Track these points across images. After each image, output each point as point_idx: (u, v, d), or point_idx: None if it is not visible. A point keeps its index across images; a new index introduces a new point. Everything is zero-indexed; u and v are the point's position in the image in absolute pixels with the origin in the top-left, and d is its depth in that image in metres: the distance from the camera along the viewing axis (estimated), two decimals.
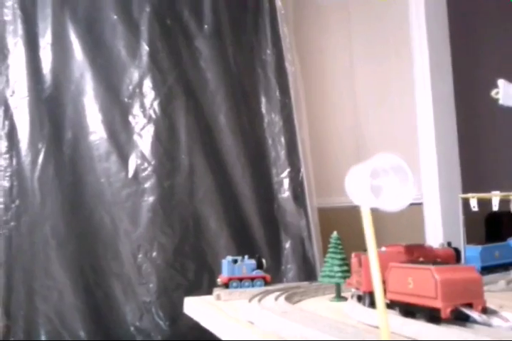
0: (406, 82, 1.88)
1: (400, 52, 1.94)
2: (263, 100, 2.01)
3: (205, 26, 1.96)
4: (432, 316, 0.66)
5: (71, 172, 1.71)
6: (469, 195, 1.12)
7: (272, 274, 1.16)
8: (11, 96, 1.69)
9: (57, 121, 1.73)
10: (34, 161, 1.67)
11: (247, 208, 1.85)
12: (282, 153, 1.96)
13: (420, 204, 1.71)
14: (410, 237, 1.70)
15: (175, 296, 1.64)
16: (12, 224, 1.61)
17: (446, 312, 0.64)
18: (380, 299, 0.45)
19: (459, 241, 1.09)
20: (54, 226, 1.64)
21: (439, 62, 1.78)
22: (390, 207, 0.46)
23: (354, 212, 0.51)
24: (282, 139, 1.97)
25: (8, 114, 1.68)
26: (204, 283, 1.69)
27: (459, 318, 0.65)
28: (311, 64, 2.23)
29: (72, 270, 1.63)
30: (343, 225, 1.39)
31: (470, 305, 0.66)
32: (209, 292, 1.14)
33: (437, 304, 0.65)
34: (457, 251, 0.96)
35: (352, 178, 0.46)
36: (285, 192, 1.92)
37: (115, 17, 1.82)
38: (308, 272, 1.83)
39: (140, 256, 1.67)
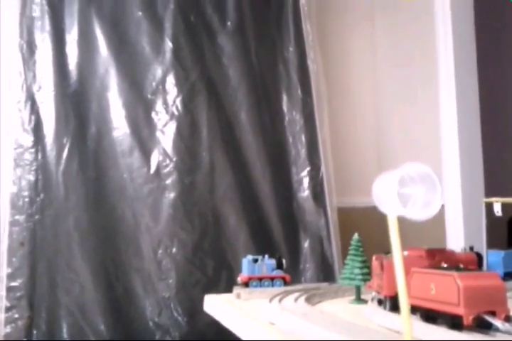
0: (430, 81, 1.86)
1: (425, 51, 1.92)
2: (284, 98, 2.00)
3: (228, 23, 1.96)
4: (454, 323, 0.66)
5: (94, 166, 1.73)
6: (493, 199, 1.11)
7: (290, 273, 1.17)
8: (38, 91, 1.72)
9: (82, 116, 1.75)
10: (59, 155, 1.70)
11: (266, 206, 1.86)
12: (302, 152, 1.96)
13: (442, 206, 1.70)
14: (431, 240, 1.69)
15: (194, 292, 1.66)
16: (36, 217, 1.65)
17: (468, 320, 0.64)
18: (404, 305, 0.45)
19: (481, 246, 1.08)
20: (77, 220, 1.67)
21: (464, 62, 1.76)
22: (417, 216, 0.46)
23: (374, 212, 0.52)
24: (303, 138, 1.97)
25: (34, 109, 1.71)
26: (222, 280, 1.71)
27: (482, 326, 0.65)
28: (334, 62, 2.22)
29: (94, 264, 1.65)
30: (362, 225, 1.39)
31: (493, 313, 0.65)
32: (227, 289, 1.15)
33: (459, 311, 0.65)
34: (479, 256, 0.95)
35: (379, 186, 0.46)
36: (305, 191, 1.92)
37: (140, 13, 1.84)
38: (326, 272, 1.83)
39: (160, 251, 1.69)
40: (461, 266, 0.81)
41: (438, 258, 0.85)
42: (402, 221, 0.47)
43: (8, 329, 1.54)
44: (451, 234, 1.68)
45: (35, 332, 1.57)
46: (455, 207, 1.67)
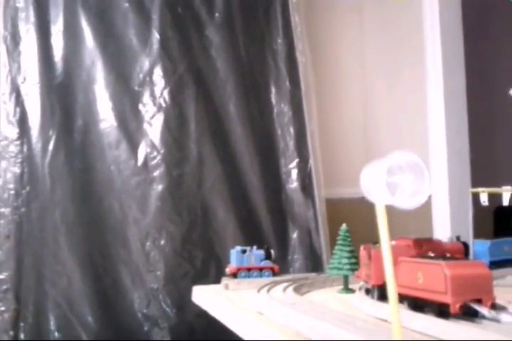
0: (417, 73, 1.86)
1: (413, 42, 1.93)
2: (273, 90, 2.00)
3: (216, 14, 1.95)
4: (441, 311, 0.67)
5: (81, 159, 1.72)
6: (479, 189, 1.12)
7: (279, 264, 1.17)
8: (23, 83, 1.70)
9: (68, 109, 1.73)
10: (45, 148, 1.68)
11: (254, 198, 1.86)
12: (291, 144, 1.96)
13: (429, 197, 1.71)
14: (418, 230, 1.71)
15: (182, 284, 1.66)
16: (23, 210, 1.63)
17: (455, 308, 0.65)
18: (393, 294, 0.45)
19: (468, 236, 1.10)
20: (64, 213, 1.66)
21: (451, 52, 1.77)
22: (405, 205, 0.46)
23: (362, 203, 0.52)
24: (291, 130, 1.97)
25: (19, 101, 1.69)
26: (211, 272, 1.71)
27: (468, 314, 0.66)
28: (322, 54, 2.22)
29: (81, 256, 1.65)
30: (350, 216, 1.40)
31: (479, 301, 0.66)
32: (216, 281, 1.15)
33: (447, 299, 0.66)
34: (466, 246, 0.96)
35: (367, 175, 0.46)
36: (293, 183, 1.92)
37: (126, 5, 1.82)
38: (314, 263, 1.84)
39: (148, 243, 1.69)
40: (448, 255, 0.82)
41: (425, 247, 0.85)
42: (389, 211, 0.47)
43: None
44: (437, 224, 1.69)
45: (22, 324, 1.56)
46: (442, 197, 1.69)
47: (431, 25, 1.78)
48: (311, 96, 2.03)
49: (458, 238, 1.00)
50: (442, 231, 1.64)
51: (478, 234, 1.12)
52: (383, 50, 2.12)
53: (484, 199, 1.11)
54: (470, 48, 1.80)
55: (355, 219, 1.32)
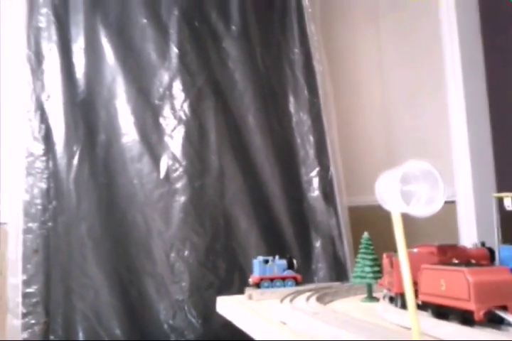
0: (438, 79, 1.85)
1: (431, 49, 1.92)
2: (291, 99, 2.01)
3: (233, 27, 1.97)
4: (465, 318, 0.66)
5: (105, 173, 1.75)
6: (503, 194, 1.11)
7: (303, 273, 1.17)
8: (47, 100, 1.74)
9: (91, 124, 1.77)
10: (69, 163, 1.72)
11: (276, 207, 1.86)
12: (311, 152, 1.96)
13: (453, 202, 1.69)
14: (443, 237, 1.68)
15: (207, 295, 1.66)
16: (50, 224, 1.67)
17: (479, 315, 0.64)
18: (411, 301, 0.45)
19: (493, 241, 1.08)
20: (89, 227, 1.68)
21: (470, 58, 1.75)
22: (420, 213, 0.46)
23: (385, 211, 0.52)
24: (311, 138, 1.97)
25: (44, 118, 1.73)
26: (235, 282, 1.71)
27: (493, 321, 0.65)
28: (340, 63, 2.22)
29: (108, 269, 1.67)
30: (373, 224, 1.39)
31: (504, 308, 0.65)
32: (240, 291, 1.16)
33: (470, 306, 0.65)
34: (491, 251, 0.95)
35: (382, 184, 0.47)
36: (315, 191, 1.92)
37: (145, 21, 1.86)
38: (339, 271, 1.83)
39: (172, 255, 1.70)
40: (473, 261, 0.81)
41: (449, 254, 0.84)
42: (413, 219, 0.47)
43: (25, 334, 1.56)
44: (463, 230, 1.67)
45: (51, 337, 1.58)
46: (467, 203, 1.66)
47: (449, 32, 1.77)
48: (330, 104, 2.03)
49: (483, 244, 0.98)
50: (468, 237, 1.62)
51: (504, 239, 1.10)
52: (401, 57, 2.12)
53: (508, 204, 1.09)
54: (490, 54, 1.78)
55: (378, 227, 1.31)
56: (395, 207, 0.45)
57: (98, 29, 1.81)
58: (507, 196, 1.10)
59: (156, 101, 1.83)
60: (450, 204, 1.69)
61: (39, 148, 1.71)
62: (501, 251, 1.08)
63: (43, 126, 1.73)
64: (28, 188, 1.67)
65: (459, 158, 1.72)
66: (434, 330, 0.67)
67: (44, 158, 1.71)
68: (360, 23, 2.30)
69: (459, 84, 1.74)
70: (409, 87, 2.07)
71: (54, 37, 1.78)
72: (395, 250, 0.88)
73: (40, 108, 1.73)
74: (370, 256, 1.00)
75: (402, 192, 0.46)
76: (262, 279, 1.10)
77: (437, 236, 1.67)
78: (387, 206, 0.46)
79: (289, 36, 2.06)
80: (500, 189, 1.62)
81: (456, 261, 0.80)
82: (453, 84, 1.76)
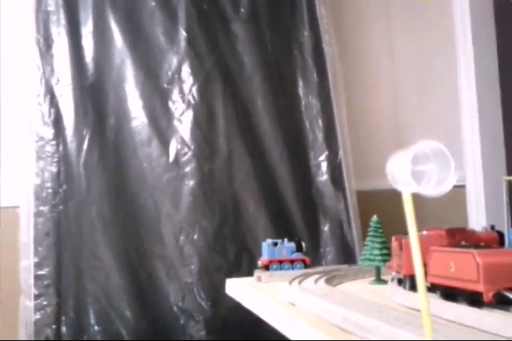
0: (449, 62, 1.83)
1: (442, 30, 1.89)
2: (300, 83, 2.00)
3: (242, 10, 1.95)
4: (474, 300, 0.66)
5: (114, 157, 1.76)
6: None
7: (311, 257, 1.18)
8: (56, 84, 1.74)
9: (100, 108, 1.78)
10: (79, 147, 1.73)
11: (285, 191, 1.87)
12: (320, 136, 1.95)
13: (463, 186, 1.68)
14: (453, 220, 1.68)
15: (216, 277, 1.68)
16: (60, 207, 1.68)
17: (488, 296, 0.64)
18: (421, 282, 0.45)
19: (503, 225, 1.07)
20: (100, 210, 1.70)
21: (482, 41, 1.73)
22: (431, 193, 0.46)
23: (393, 194, 0.52)
24: (320, 122, 1.96)
25: (53, 102, 1.74)
26: (244, 265, 1.73)
27: (502, 302, 0.65)
28: (349, 45, 2.20)
29: (118, 252, 1.69)
30: (382, 208, 1.39)
31: None
32: (249, 273, 1.17)
33: (479, 288, 0.65)
34: (501, 235, 0.94)
35: (393, 164, 0.46)
36: (323, 176, 1.92)
37: (153, 4, 1.84)
38: (347, 255, 1.83)
39: (182, 238, 1.72)
40: (483, 244, 0.81)
41: (458, 237, 0.84)
42: (423, 203, 0.47)
43: (37, 315, 1.59)
44: (472, 213, 1.66)
45: (63, 318, 1.61)
46: (476, 186, 1.66)
47: (461, 14, 1.74)
48: (339, 87, 2.02)
49: (492, 227, 0.98)
50: (477, 220, 1.62)
51: None
52: (413, 41, 2.09)
53: None
54: (501, 37, 1.75)
55: (386, 211, 1.31)
56: (406, 187, 0.45)
57: (107, 12, 1.80)
58: None
59: (165, 85, 1.82)
60: (459, 189, 1.68)
61: (49, 132, 1.72)
62: (511, 234, 1.07)
63: (53, 111, 1.74)
64: (39, 172, 1.69)
65: (469, 141, 1.71)
66: (443, 312, 0.67)
67: (54, 142, 1.72)
68: (370, 4, 2.27)
69: (470, 66, 1.72)
70: (419, 69, 2.05)
71: (63, 21, 1.77)
72: (403, 233, 0.88)
73: (50, 92, 1.74)
74: (379, 239, 1.00)
75: (413, 172, 0.46)
76: (270, 261, 1.10)
77: (446, 220, 1.67)
78: (397, 186, 0.46)
79: (298, 19, 2.04)
80: (510, 172, 1.61)
81: (465, 244, 0.80)
82: (464, 66, 1.73)
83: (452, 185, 0.46)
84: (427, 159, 0.48)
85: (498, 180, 1.18)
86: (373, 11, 2.26)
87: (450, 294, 0.71)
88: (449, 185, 0.46)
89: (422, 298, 0.46)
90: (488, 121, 1.71)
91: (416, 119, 2.08)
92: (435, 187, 0.46)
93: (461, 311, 0.66)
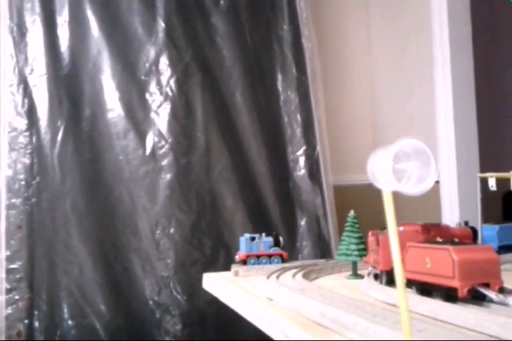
0: (425, 58, 1.85)
1: (419, 28, 1.91)
2: (279, 77, 1.99)
3: (221, 2, 1.94)
4: (449, 295, 0.67)
5: (90, 149, 1.73)
6: (487, 174, 1.12)
7: (288, 251, 1.18)
8: (30, 74, 1.70)
9: (76, 99, 1.74)
10: (53, 138, 1.69)
11: (262, 186, 1.87)
12: (298, 131, 1.96)
13: (437, 182, 1.71)
14: (426, 216, 1.71)
15: (192, 271, 1.68)
16: (33, 200, 1.65)
17: (463, 292, 0.66)
18: (400, 278, 0.46)
19: (476, 221, 1.10)
20: (74, 203, 1.67)
21: (459, 38, 1.75)
22: (412, 191, 0.46)
23: (369, 189, 0.52)
24: (298, 117, 1.97)
25: (27, 92, 1.70)
26: (220, 259, 1.73)
27: (476, 298, 0.67)
28: (328, 40, 2.20)
29: (92, 245, 1.66)
30: (358, 203, 1.40)
31: (487, 285, 0.67)
32: (225, 268, 1.17)
33: (454, 283, 0.66)
34: (474, 231, 0.96)
35: (373, 162, 0.47)
36: (301, 170, 1.93)
37: None
38: (323, 249, 1.85)
39: (158, 232, 1.71)
40: (457, 240, 0.82)
41: (433, 233, 0.86)
42: (398, 197, 0.47)
43: (9, 310, 1.56)
44: (446, 210, 1.69)
45: (36, 312, 1.58)
46: (450, 183, 1.69)
47: (438, 8, 1.76)
48: (318, 82, 2.02)
49: (466, 223, 1.00)
50: (451, 216, 1.64)
51: (486, 219, 1.12)
52: (390, 36, 2.11)
53: (492, 184, 1.10)
54: (478, 32, 1.78)
55: (363, 206, 1.33)
56: (387, 185, 0.45)
57: (83, 1, 1.76)
58: (491, 176, 1.11)
59: (143, 77, 1.80)
60: (433, 184, 1.71)
61: (22, 122, 1.68)
62: (484, 230, 1.10)
63: (27, 101, 1.69)
64: (11, 163, 1.65)
65: (444, 138, 1.74)
66: (418, 307, 0.68)
67: (27, 133, 1.68)
68: None
69: (446, 64, 1.74)
70: (397, 65, 2.07)
71: (37, 8, 1.73)
72: (379, 228, 0.89)
73: (24, 82, 1.69)
74: (356, 234, 1.01)
75: (394, 170, 0.46)
76: (248, 256, 1.10)
77: (420, 215, 1.69)
78: (378, 184, 0.46)
79: (278, 12, 2.03)
80: (483, 169, 1.64)
81: (440, 240, 0.81)
82: (440, 63, 1.76)
83: (433, 183, 0.47)
84: (407, 157, 0.48)
85: (472, 177, 1.20)
86: (352, 6, 2.27)
87: (426, 289, 0.72)
88: (430, 183, 0.46)
89: (401, 297, 0.46)
90: (462, 118, 1.74)
91: (392, 115, 2.11)
92: (416, 185, 0.47)
93: (436, 306, 0.67)
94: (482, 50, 1.79)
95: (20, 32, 1.70)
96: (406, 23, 2.00)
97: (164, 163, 1.76)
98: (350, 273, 1.02)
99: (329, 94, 2.09)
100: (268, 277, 0.94)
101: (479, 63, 1.77)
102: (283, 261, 1.13)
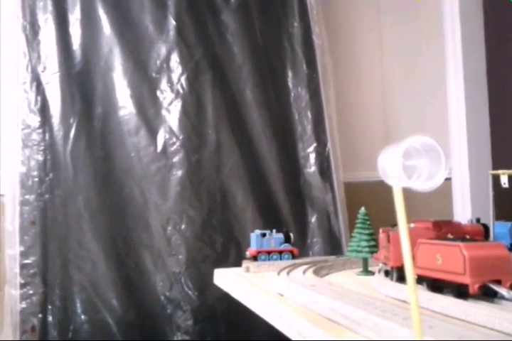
0: (437, 56, 1.84)
1: (431, 26, 1.90)
2: (290, 74, 1.99)
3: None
4: (460, 292, 0.68)
5: (102, 146, 1.74)
6: (500, 171, 1.11)
7: (298, 247, 1.19)
8: (43, 72, 1.72)
9: (88, 96, 1.75)
10: (66, 136, 1.71)
11: (273, 182, 1.87)
12: (309, 128, 1.96)
13: (449, 179, 1.70)
14: (438, 213, 1.70)
15: (203, 267, 1.69)
16: (46, 196, 1.67)
17: (474, 288, 0.66)
18: (410, 274, 0.46)
19: (488, 218, 1.09)
20: (86, 199, 1.69)
21: (471, 37, 1.74)
22: (422, 188, 0.46)
23: (380, 186, 0.52)
24: (309, 114, 1.97)
25: (40, 90, 1.71)
26: (231, 255, 1.74)
27: (487, 294, 0.67)
28: (339, 37, 2.20)
29: (104, 241, 1.68)
30: (369, 199, 1.40)
31: (498, 282, 0.67)
32: (236, 264, 1.17)
33: (465, 280, 0.66)
34: (486, 228, 0.96)
35: (384, 159, 0.47)
36: (311, 167, 1.93)
37: None
38: (333, 246, 1.85)
39: (169, 228, 1.72)
40: (468, 237, 0.82)
41: (444, 230, 0.86)
42: (410, 194, 0.48)
43: (23, 304, 1.58)
44: (458, 207, 1.69)
45: (49, 307, 1.61)
46: (462, 180, 1.68)
47: (450, 6, 1.75)
48: (329, 79, 2.02)
49: (478, 220, 1.00)
50: (463, 213, 1.64)
51: (498, 216, 1.12)
52: (402, 32, 2.09)
53: (505, 181, 1.10)
54: (490, 33, 1.76)
55: (374, 203, 1.33)
56: (397, 181, 0.45)
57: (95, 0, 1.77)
58: (503, 173, 1.11)
59: (154, 74, 1.81)
60: (446, 181, 1.70)
61: (35, 120, 1.70)
62: (496, 227, 1.09)
63: (39, 98, 1.71)
64: (25, 160, 1.67)
65: (456, 135, 1.73)
66: (429, 303, 0.68)
67: (40, 131, 1.70)
68: None
69: (458, 61, 1.73)
70: (408, 63, 2.06)
71: (50, 7, 1.74)
72: (390, 225, 0.89)
73: (37, 79, 1.71)
74: (367, 231, 1.02)
75: (404, 166, 0.46)
76: (259, 252, 1.11)
77: (432, 212, 1.68)
78: (389, 180, 0.46)
79: (289, 9, 2.03)
80: (496, 166, 1.63)
81: (451, 237, 0.81)
82: (452, 61, 1.74)
83: (443, 179, 0.47)
84: (417, 154, 0.48)
85: (484, 174, 1.20)
86: (364, 2, 2.26)
87: (437, 286, 0.72)
88: (440, 180, 0.47)
89: (411, 293, 0.47)
90: (474, 114, 1.72)
91: (404, 112, 2.10)
92: (426, 182, 0.47)
93: (447, 302, 0.67)
94: (494, 47, 1.78)
95: (32, 30, 1.72)
96: (418, 20, 1.99)
97: (175, 159, 1.77)
98: (360, 269, 1.03)
99: (340, 91, 2.09)
100: (279, 273, 0.95)
101: (491, 61, 1.75)
102: (293, 257, 1.13)
